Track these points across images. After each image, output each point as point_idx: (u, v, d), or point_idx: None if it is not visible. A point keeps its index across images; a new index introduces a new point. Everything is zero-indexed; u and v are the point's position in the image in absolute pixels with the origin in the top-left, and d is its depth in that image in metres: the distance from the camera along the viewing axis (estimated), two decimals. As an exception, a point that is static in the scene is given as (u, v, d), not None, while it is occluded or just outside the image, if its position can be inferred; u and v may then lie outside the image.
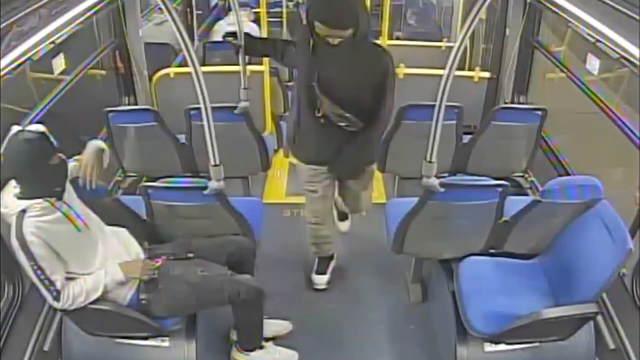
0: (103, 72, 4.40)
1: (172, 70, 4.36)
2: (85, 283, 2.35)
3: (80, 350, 2.71)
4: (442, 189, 2.54)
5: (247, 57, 3.35)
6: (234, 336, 2.89)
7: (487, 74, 4.36)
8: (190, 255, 2.65)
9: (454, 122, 3.49)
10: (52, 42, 2.87)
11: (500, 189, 2.63)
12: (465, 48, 4.04)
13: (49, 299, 2.30)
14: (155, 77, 4.33)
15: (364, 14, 2.60)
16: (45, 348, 2.65)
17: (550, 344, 2.60)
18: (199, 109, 2.39)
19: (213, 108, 2.41)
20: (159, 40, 5.29)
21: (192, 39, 5.87)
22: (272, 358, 2.84)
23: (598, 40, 2.86)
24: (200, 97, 2.36)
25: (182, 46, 2.27)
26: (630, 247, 2.28)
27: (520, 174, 3.82)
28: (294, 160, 3.14)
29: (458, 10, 5.92)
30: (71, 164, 2.47)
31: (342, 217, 3.75)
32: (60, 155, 2.31)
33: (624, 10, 2.24)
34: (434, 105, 2.33)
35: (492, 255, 2.86)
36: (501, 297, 2.64)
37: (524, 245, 2.86)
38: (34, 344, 2.61)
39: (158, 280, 2.51)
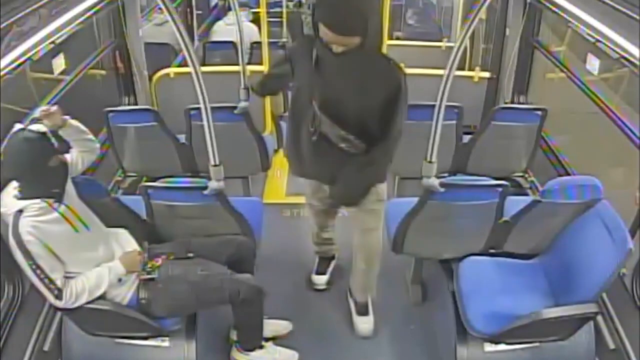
0: (103, 72, 4.40)
1: (172, 70, 4.36)
2: (88, 280, 2.35)
3: (80, 350, 2.71)
4: (442, 189, 2.54)
5: (247, 57, 3.35)
6: (234, 336, 2.88)
7: (487, 74, 4.36)
8: (190, 255, 2.65)
9: (454, 122, 3.49)
10: (52, 42, 2.87)
11: (500, 189, 2.63)
12: (465, 48, 4.05)
13: (51, 298, 2.30)
14: (155, 77, 4.33)
15: (375, 22, 2.34)
16: (45, 348, 2.65)
17: (550, 344, 2.60)
18: (199, 109, 2.39)
19: (213, 108, 2.41)
20: (159, 40, 5.30)
21: (192, 39, 5.88)
22: (272, 358, 2.84)
23: (598, 40, 2.86)
24: (200, 97, 2.36)
25: (182, 46, 2.28)
26: (630, 247, 2.28)
27: (520, 174, 3.82)
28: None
29: (458, 10, 5.92)
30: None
31: (362, 310, 3.11)
32: (61, 157, 2.31)
33: (624, 10, 2.24)
34: (434, 105, 2.34)
35: (492, 255, 2.86)
36: (501, 297, 2.64)
37: (524, 245, 2.86)
38: (34, 344, 2.61)
39: (158, 280, 2.51)
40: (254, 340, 2.81)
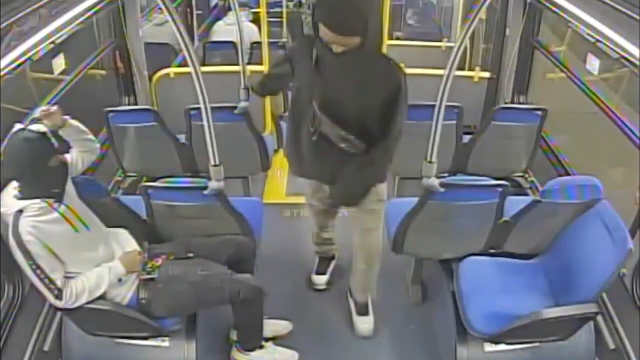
0: (103, 72, 4.40)
1: (172, 70, 4.36)
2: (88, 280, 2.35)
3: (80, 350, 2.71)
4: (442, 189, 2.54)
5: (247, 57, 3.35)
6: (234, 336, 2.88)
7: (487, 74, 4.36)
8: (190, 255, 2.65)
9: (454, 122, 3.49)
10: (52, 42, 2.87)
11: (500, 189, 2.63)
12: (465, 48, 4.05)
13: (51, 298, 2.29)
14: (155, 77, 4.33)
15: (375, 22, 2.33)
16: (45, 348, 2.65)
17: (550, 344, 2.60)
18: (199, 109, 2.39)
19: (213, 108, 2.41)
20: (159, 40, 5.30)
21: (192, 39, 5.88)
22: (272, 358, 2.84)
23: (598, 40, 2.86)
24: (200, 97, 2.36)
25: (182, 46, 2.28)
26: (630, 247, 2.28)
27: (520, 174, 3.82)
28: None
29: (458, 10, 5.93)
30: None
31: (362, 310, 3.10)
32: (61, 157, 2.31)
33: (624, 10, 2.24)
34: (434, 105, 2.34)
35: (492, 255, 2.86)
36: (501, 297, 2.64)
37: (524, 245, 2.86)
38: (34, 344, 2.61)
39: (158, 280, 2.51)
40: (254, 340, 2.81)
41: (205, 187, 2.64)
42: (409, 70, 4.31)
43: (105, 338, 2.64)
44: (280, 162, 4.45)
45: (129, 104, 4.29)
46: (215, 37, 6.07)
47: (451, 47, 2.55)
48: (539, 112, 3.49)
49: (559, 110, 4.03)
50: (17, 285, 2.62)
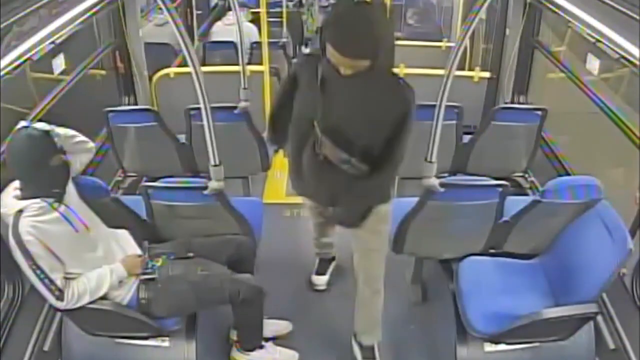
0: (103, 72, 4.41)
1: (172, 70, 4.36)
2: (89, 281, 2.35)
3: (80, 350, 2.71)
4: (442, 189, 2.54)
5: (247, 57, 3.35)
6: (234, 336, 2.88)
7: (487, 74, 4.36)
8: (190, 254, 2.65)
9: (454, 122, 3.50)
10: (52, 42, 2.87)
11: (500, 189, 2.63)
12: (465, 48, 4.05)
13: (52, 299, 2.29)
14: (155, 77, 4.33)
15: (387, 44, 2.13)
16: (45, 348, 2.65)
17: (550, 344, 2.60)
18: (199, 109, 2.39)
19: (213, 108, 2.41)
20: (159, 40, 5.30)
21: (192, 39, 5.88)
22: (272, 358, 2.84)
23: (598, 40, 2.86)
24: (200, 97, 2.36)
25: (182, 46, 2.28)
26: (630, 247, 2.28)
27: (520, 174, 3.83)
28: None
29: (458, 10, 5.93)
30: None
31: (368, 354, 2.89)
32: (63, 157, 2.31)
33: (624, 10, 2.24)
34: (434, 105, 2.34)
35: (492, 255, 2.86)
36: (501, 297, 2.64)
37: (524, 245, 2.86)
38: (34, 344, 2.61)
39: (158, 280, 2.51)
40: (254, 340, 2.81)
41: (205, 187, 2.64)
42: (409, 70, 4.33)
43: (105, 338, 2.64)
44: (280, 163, 4.45)
45: (129, 104, 4.29)
46: (214, 38, 6.07)
47: (451, 47, 2.55)
48: (539, 112, 3.49)
49: (559, 111, 4.03)
50: (17, 285, 2.62)
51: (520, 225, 2.74)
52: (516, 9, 4.03)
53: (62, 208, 2.32)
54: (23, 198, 2.26)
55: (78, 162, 2.55)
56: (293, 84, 2.44)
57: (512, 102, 4.24)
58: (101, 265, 2.42)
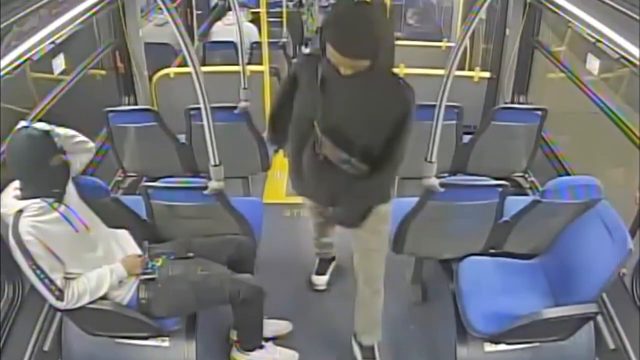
0: (103, 72, 4.41)
1: (172, 70, 4.36)
2: (89, 281, 2.35)
3: (80, 350, 2.71)
4: (442, 189, 2.54)
5: (247, 57, 3.35)
6: (234, 336, 2.88)
7: (487, 74, 4.36)
8: (190, 255, 2.65)
9: (454, 122, 3.50)
10: (52, 42, 2.87)
11: (500, 189, 2.63)
12: (465, 48, 4.05)
13: (52, 299, 2.29)
14: (155, 77, 4.33)
15: (387, 44, 2.14)
16: (45, 348, 2.65)
17: (550, 344, 2.60)
18: (199, 109, 2.39)
19: (213, 108, 2.41)
20: (159, 40, 5.30)
21: (192, 39, 5.88)
22: (272, 358, 2.84)
23: (598, 40, 2.86)
24: (200, 97, 2.36)
25: (182, 46, 2.28)
26: (630, 247, 2.28)
27: (520, 174, 3.83)
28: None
29: (458, 10, 5.93)
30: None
31: (368, 355, 2.89)
32: (63, 157, 2.31)
33: (624, 10, 2.24)
34: (434, 105, 2.34)
35: (492, 255, 2.86)
36: (501, 297, 2.64)
37: (524, 245, 2.86)
38: (34, 344, 2.61)
39: (158, 280, 2.51)
40: (254, 340, 2.81)
41: (205, 187, 2.64)
42: (409, 70, 4.33)
43: (105, 338, 2.64)
44: (280, 163, 4.45)
45: (129, 104, 4.29)
46: (214, 38, 6.07)
47: (451, 47, 2.55)
48: (539, 112, 3.49)
49: (559, 111, 4.03)
50: (17, 285, 2.62)
51: (520, 225, 2.74)
52: (516, 9, 4.03)
53: (62, 208, 2.32)
54: (23, 198, 2.26)
55: (78, 162, 2.55)
56: (293, 84, 2.44)
57: (512, 102, 4.24)
58: (101, 265, 2.42)
